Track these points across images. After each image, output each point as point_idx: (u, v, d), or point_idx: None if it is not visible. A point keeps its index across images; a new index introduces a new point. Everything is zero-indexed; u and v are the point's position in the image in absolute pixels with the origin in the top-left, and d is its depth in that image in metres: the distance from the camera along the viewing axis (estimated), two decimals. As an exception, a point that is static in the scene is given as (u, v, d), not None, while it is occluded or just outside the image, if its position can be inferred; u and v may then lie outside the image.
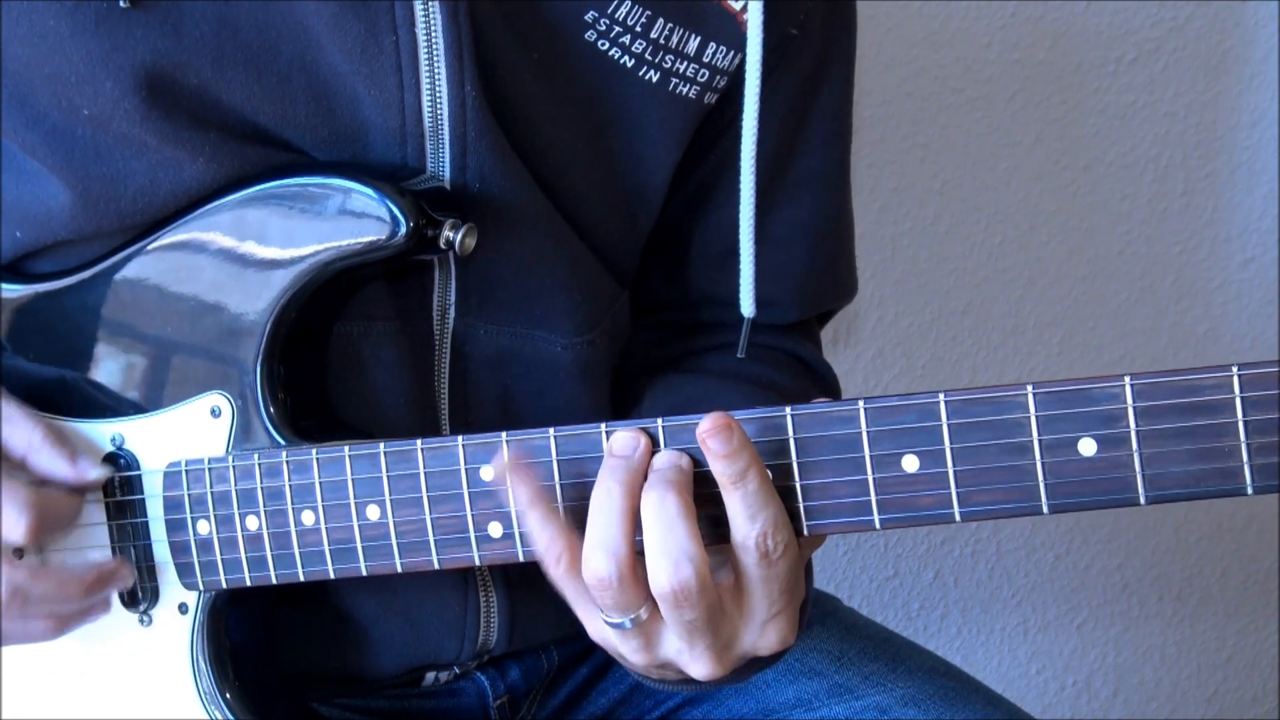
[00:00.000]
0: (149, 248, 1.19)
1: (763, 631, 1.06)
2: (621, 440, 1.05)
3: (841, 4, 1.32)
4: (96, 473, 1.18)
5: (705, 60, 1.24)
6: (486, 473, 1.10)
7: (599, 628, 1.08)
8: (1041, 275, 2.17)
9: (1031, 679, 2.32)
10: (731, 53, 1.24)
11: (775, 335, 1.36)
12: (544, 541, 1.05)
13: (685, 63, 1.23)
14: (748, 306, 1.27)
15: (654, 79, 1.23)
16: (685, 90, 1.24)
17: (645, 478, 1.04)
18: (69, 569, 1.18)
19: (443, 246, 1.16)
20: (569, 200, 1.25)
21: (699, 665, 1.07)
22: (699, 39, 1.23)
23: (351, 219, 1.14)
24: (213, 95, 1.16)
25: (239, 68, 1.15)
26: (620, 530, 1.03)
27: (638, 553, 1.03)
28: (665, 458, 1.04)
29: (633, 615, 1.04)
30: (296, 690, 1.26)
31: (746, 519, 1.02)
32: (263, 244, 1.16)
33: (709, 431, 1.01)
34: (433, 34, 1.16)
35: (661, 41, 1.22)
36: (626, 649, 1.07)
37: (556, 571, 1.06)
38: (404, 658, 1.27)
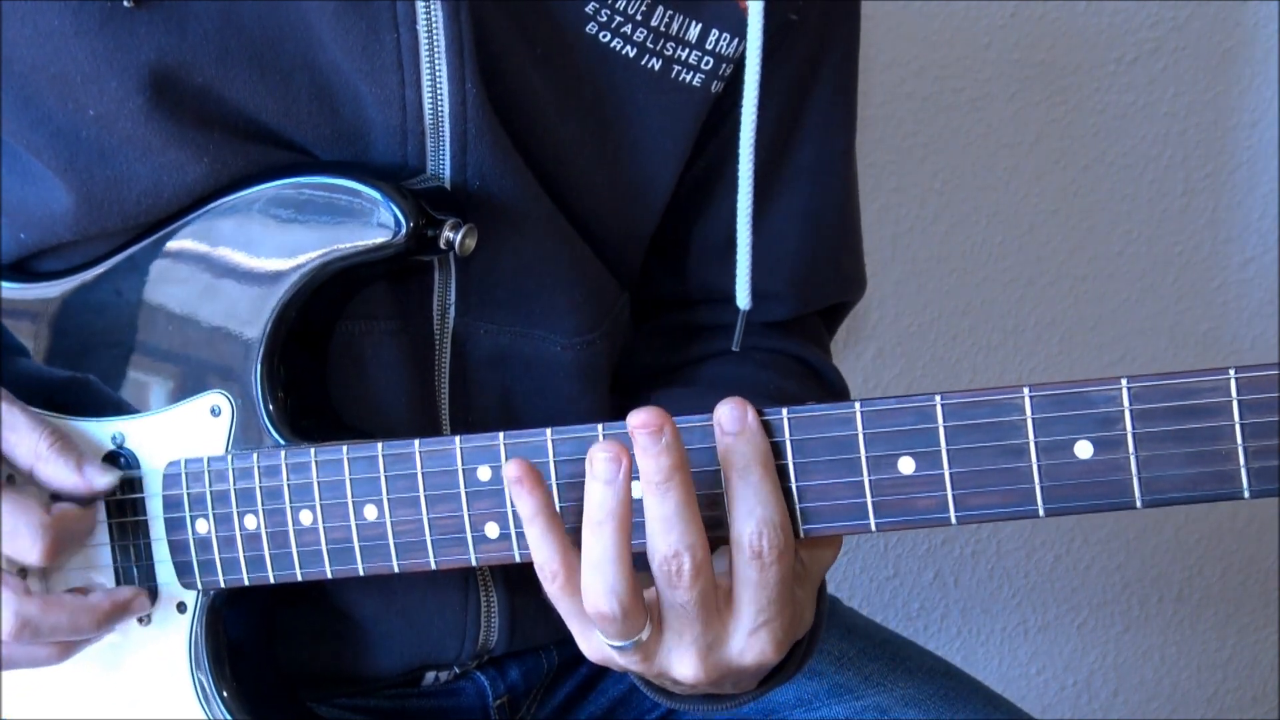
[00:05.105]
0: (151, 247, 1.19)
1: (748, 641, 1.04)
2: (602, 465, 1.02)
3: None
4: (104, 481, 1.16)
5: (708, 47, 1.23)
6: (484, 473, 1.10)
7: (596, 646, 1.07)
8: (1041, 275, 2.17)
9: (1031, 679, 2.31)
10: (734, 39, 1.23)
11: (778, 337, 1.35)
12: (540, 558, 1.04)
13: (687, 50, 1.23)
14: (744, 298, 1.26)
15: (656, 67, 1.23)
16: (689, 78, 1.24)
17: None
18: (83, 601, 1.16)
19: (443, 247, 1.16)
20: (572, 197, 1.24)
21: (683, 664, 1.05)
22: (700, 25, 1.23)
23: (352, 220, 1.14)
24: (217, 94, 1.16)
25: (243, 66, 1.15)
26: (618, 569, 1.01)
27: (637, 569, 1.02)
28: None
29: (634, 639, 1.04)
30: (295, 690, 1.26)
31: (745, 513, 1.01)
32: (264, 244, 1.16)
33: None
34: (434, 31, 1.16)
35: (662, 29, 1.22)
36: (626, 661, 1.06)
37: (551, 589, 1.04)
38: (404, 657, 1.27)
